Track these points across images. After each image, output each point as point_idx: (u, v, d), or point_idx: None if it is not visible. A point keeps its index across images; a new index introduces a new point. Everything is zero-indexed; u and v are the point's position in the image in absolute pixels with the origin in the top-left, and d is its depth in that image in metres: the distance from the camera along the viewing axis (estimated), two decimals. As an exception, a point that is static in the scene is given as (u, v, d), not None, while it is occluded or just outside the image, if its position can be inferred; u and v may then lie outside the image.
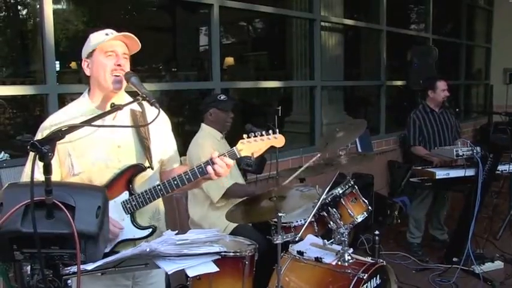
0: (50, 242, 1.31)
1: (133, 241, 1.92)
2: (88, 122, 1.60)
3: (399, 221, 5.46)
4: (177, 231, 1.56)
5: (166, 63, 7.42)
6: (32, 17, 5.15)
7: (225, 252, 2.28)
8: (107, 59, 1.89)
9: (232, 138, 3.52)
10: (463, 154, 3.98)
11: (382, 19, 6.57)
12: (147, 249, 1.45)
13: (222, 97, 3.39)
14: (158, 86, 4.59)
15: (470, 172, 4.00)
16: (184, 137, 3.63)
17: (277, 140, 1.95)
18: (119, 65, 1.89)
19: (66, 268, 1.40)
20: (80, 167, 1.88)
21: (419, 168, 4.33)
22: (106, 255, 1.47)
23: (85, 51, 1.94)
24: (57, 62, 3.43)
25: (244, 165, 3.48)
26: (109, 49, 1.89)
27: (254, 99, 7.45)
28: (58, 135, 1.38)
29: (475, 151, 3.97)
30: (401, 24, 7.60)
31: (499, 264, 4.23)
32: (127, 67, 1.93)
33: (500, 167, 4.12)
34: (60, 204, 1.29)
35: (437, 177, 4.01)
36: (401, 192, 5.89)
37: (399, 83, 7.05)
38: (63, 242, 1.31)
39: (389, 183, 6.38)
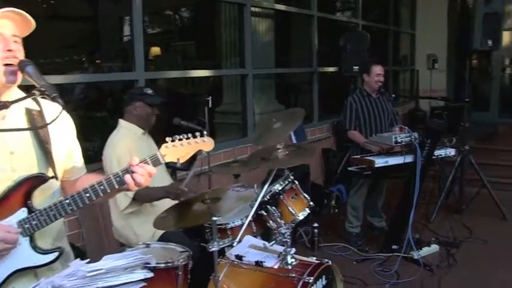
0: None
1: (33, 269, 1.55)
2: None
3: (336, 210, 5.42)
4: (88, 260, 1.25)
5: (89, 54, 6.89)
6: None
7: (155, 264, 2.01)
8: None
9: (158, 133, 3.19)
10: (402, 141, 3.96)
11: (313, 4, 6.45)
12: None
13: (150, 91, 3.09)
14: (74, 78, 4.21)
15: (409, 159, 3.98)
16: (106, 136, 3.21)
17: (206, 143, 1.74)
18: (9, 50, 1.51)
19: None
20: None
21: (358, 156, 4.24)
22: None
23: None
24: None
25: (170, 163, 3.19)
26: None
27: (182, 90, 7.13)
28: None
29: (413, 137, 3.95)
30: (332, 9, 7.55)
31: (435, 247, 4.28)
32: (20, 53, 1.56)
33: (436, 152, 4.12)
34: None
35: (376, 165, 3.93)
36: (337, 181, 5.82)
37: (331, 69, 6.98)
38: None
39: (324, 171, 6.29)
